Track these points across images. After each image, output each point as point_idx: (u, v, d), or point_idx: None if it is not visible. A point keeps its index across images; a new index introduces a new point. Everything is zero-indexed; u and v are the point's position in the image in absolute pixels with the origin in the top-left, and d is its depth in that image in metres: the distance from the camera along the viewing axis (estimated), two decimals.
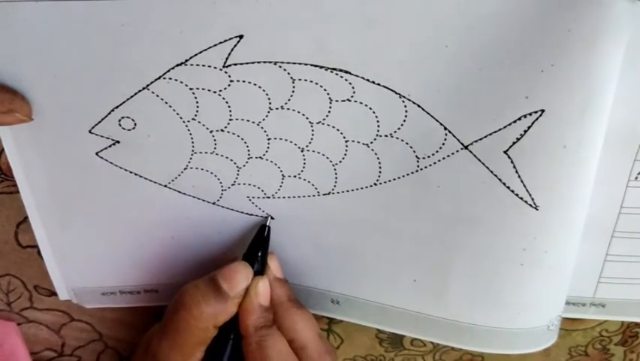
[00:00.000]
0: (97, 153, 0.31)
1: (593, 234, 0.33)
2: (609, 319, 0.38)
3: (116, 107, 0.30)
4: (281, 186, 0.32)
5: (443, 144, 0.29)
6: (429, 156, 0.30)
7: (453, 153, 0.30)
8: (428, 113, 0.29)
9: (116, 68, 0.28)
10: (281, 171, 0.32)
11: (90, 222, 0.34)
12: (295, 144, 0.31)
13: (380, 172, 0.31)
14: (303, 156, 0.31)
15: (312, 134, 0.30)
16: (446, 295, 0.33)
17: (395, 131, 0.29)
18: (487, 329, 0.33)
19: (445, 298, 0.33)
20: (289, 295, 0.33)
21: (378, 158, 0.30)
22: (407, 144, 0.30)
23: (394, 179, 0.31)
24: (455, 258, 0.32)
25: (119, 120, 0.30)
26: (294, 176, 0.32)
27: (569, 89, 0.27)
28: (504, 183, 0.29)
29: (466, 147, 0.29)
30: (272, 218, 0.33)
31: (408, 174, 0.31)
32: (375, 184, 0.31)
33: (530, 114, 0.28)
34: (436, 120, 0.29)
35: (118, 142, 0.31)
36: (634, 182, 0.32)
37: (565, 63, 0.26)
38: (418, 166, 0.30)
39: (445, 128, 0.29)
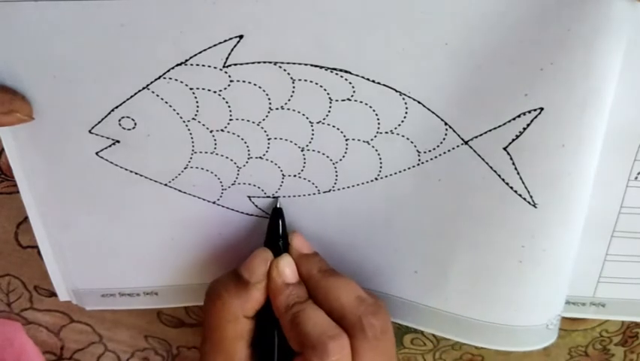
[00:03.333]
0: (97, 153, 0.31)
1: (593, 233, 0.33)
2: (609, 319, 0.38)
3: (116, 107, 0.30)
4: (281, 185, 0.32)
5: (444, 138, 0.29)
6: (430, 151, 0.30)
7: (453, 148, 0.30)
8: (429, 110, 0.29)
9: (116, 68, 0.28)
10: (281, 170, 0.32)
11: (90, 222, 0.33)
12: (295, 144, 0.31)
13: (381, 167, 0.31)
14: (303, 155, 0.31)
15: (312, 134, 0.30)
16: (446, 288, 0.33)
17: (396, 128, 0.29)
18: (485, 325, 0.33)
19: (444, 291, 0.33)
20: (320, 267, 0.32)
21: (378, 154, 0.30)
22: (408, 139, 0.30)
23: (395, 173, 0.31)
24: (455, 251, 0.32)
25: (119, 120, 0.30)
26: (295, 175, 0.32)
27: (568, 87, 0.27)
28: (503, 180, 0.29)
29: (466, 143, 0.29)
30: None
31: (409, 168, 0.31)
32: (376, 179, 0.31)
33: (529, 112, 0.28)
34: (437, 116, 0.29)
35: (118, 142, 0.31)
36: (634, 182, 0.32)
37: (564, 62, 0.26)
38: (419, 160, 0.30)
39: (446, 124, 0.29)
